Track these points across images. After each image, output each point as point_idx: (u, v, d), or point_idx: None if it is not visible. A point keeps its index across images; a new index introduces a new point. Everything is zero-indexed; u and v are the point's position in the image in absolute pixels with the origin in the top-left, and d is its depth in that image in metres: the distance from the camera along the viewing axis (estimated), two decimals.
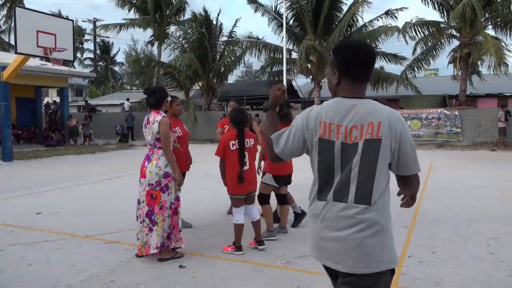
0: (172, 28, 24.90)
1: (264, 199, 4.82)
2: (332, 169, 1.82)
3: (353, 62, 1.84)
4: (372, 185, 1.76)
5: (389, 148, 1.77)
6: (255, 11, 22.27)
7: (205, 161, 11.63)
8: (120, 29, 27.58)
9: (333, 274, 1.89)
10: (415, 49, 20.25)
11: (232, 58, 22.58)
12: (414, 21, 19.19)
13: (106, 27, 28.12)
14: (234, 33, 23.00)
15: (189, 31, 23.21)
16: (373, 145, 1.76)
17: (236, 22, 22.86)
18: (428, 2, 19.37)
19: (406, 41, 19.06)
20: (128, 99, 28.57)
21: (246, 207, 4.36)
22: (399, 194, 2.05)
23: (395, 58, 20.94)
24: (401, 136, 1.79)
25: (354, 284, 1.77)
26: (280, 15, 21.08)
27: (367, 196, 1.76)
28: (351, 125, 1.78)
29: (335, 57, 1.89)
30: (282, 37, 20.36)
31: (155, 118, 4.08)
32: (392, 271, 1.82)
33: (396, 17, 21.04)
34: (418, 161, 1.87)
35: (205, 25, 22.45)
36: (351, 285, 1.77)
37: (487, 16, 18.33)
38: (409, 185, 1.94)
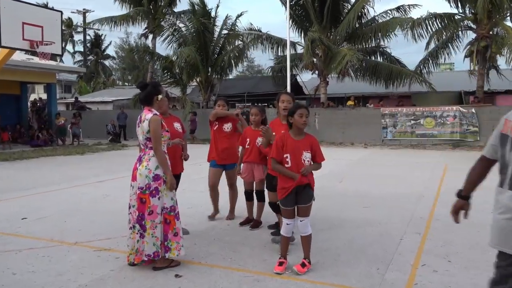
0: (169, 20, 24.74)
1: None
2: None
3: None
4: None
5: None
6: None
7: (202, 162, 11.61)
8: (114, 24, 27.10)
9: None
10: (429, 43, 20.12)
11: (237, 54, 22.45)
12: (425, 15, 19.14)
13: (100, 22, 27.71)
14: (236, 26, 22.89)
15: (187, 22, 23.14)
16: None
17: (241, 13, 22.72)
18: None
19: (415, 39, 19.10)
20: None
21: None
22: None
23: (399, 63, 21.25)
24: None
25: None
26: (285, 3, 21.05)
27: None
28: None
29: None
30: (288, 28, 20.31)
31: (146, 116, 4.05)
32: None
33: (409, 11, 20.98)
34: None
35: (204, 16, 22.31)
36: None
37: (505, 6, 18.25)
38: None
